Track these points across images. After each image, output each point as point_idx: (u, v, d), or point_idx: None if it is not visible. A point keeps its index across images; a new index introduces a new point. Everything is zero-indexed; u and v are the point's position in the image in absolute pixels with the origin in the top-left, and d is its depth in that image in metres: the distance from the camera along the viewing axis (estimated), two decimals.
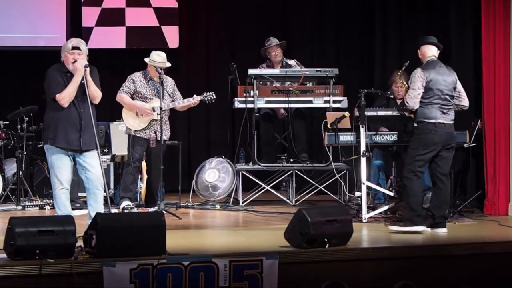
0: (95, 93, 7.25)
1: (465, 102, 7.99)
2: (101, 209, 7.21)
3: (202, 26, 12.31)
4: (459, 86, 7.97)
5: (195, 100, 9.27)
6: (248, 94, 9.80)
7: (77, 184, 8.91)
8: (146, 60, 9.23)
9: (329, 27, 11.98)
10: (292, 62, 10.32)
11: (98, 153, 7.28)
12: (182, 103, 9.27)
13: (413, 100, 7.83)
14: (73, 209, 7.63)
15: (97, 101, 7.34)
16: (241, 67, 10.12)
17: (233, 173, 10.01)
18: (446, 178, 7.86)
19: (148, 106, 9.15)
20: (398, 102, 9.44)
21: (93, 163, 7.26)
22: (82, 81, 7.12)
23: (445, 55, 9.79)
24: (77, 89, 7.13)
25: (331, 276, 6.15)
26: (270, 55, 10.30)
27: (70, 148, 7.19)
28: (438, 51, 7.99)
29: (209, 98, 9.34)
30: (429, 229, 7.67)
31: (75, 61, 7.14)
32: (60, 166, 7.19)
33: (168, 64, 9.24)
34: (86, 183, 7.31)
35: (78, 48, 7.21)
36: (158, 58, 9.19)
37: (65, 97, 7.11)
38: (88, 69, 7.13)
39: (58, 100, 7.12)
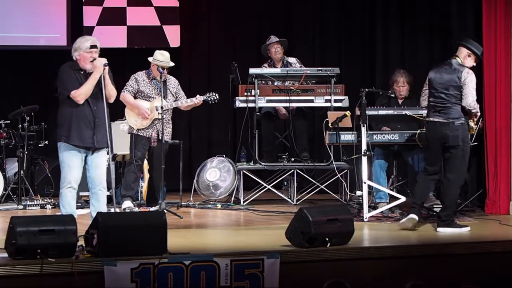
0: (111, 92, 7.28)
1: (464, 102, 7.79)
2: (104, 209, 7.20)
3: (203, 26, 12.31)
4: (464, 86, 7.79)
5: (198, 100, 9.29)
6: (249, 93, 9.80)
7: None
8: (150, 59, 9.27)
9: (331, 26, 11.97)
10: (292, 59, 10.33)
11: (109, 152, 7.26)
12: (185, 103, 9.30)
13: (420, 98, 8.25)
14: None
15: (112, 100, 7.39)
16: (242, 66, 10.12)
17: (234, 172, 10.01)
18: (447, 180, 7.82)
19: (150, 105, 9.16)
20: (400, 101, 9.47)
21: (100, 163, 7.25)
22: (98, 79, 7.12)
23: (447, 56, 9.82)
24: (93, 87, 7.14)
25: (332, 275, 6.14)
26: (270, 53, 10.31)
27: (83, 146, 7.15)
28: (468, 52, 7.89)
29: (212, 99, 9.36)
30: (414, 217, 7.73)
31: (94, 59, 7.11)
32: (71, 164, 7.14)
33: (172, 64, 9.28)
34: (89, 182, 7.29)
35: (95, 47, 7.20)
36: (161, 57, 9.22)
37: (81, 94, 7.08)
38: (107, 67, 7.14)
39: (73, 97, 7.08)
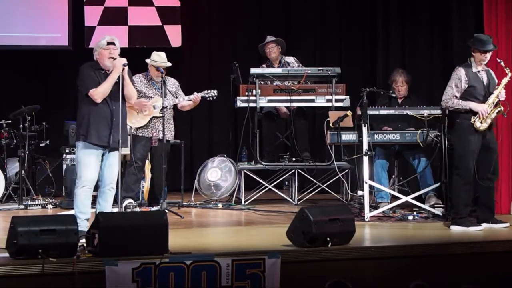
0: (132, 93, 7.27)
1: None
2: (109, 210, 7.18)
3: (204, 25, 12.31)
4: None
5: (194, 96, 9.30)
6: (250, 93, 9.80)
7: None
8: (147, 60, 9.28)
9: (331, 26, 11.98)
10: (290, 59, 10.32)
11: (119, 152, 7.22)
12: (183, 101, 9.30)
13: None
14: None
15: (133, 101, 7.41)
16: (243, 66, 10.12)
17: (235, 172, 10.01)
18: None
19: (150, 103, 9.18)
20: (399, 101, 9.47)
21: (113, 163, 7.21)
22: (117, 80, 7.10)
23: (448, 56, 9.83)
24: (112, 86, 7.12)
25: (333, 275, 6.15)
26: (265, 53, 10.32)
27: (101, 144, 7.11)
28: (472, 49, 7.88)
29: (210, 95, 9.37)
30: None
31: (114, 59, 7.10)
32: (87, 163, 7.10)
33: (169, 64, 9.28)
34: (99, 181, 7.26)
35: (113, 43, 7.19)
36: (157, 58, 9.26)
37: (99, 92, 7.06)
38: (126, 68, 7.13)
39: (91, 95, 7.06)
